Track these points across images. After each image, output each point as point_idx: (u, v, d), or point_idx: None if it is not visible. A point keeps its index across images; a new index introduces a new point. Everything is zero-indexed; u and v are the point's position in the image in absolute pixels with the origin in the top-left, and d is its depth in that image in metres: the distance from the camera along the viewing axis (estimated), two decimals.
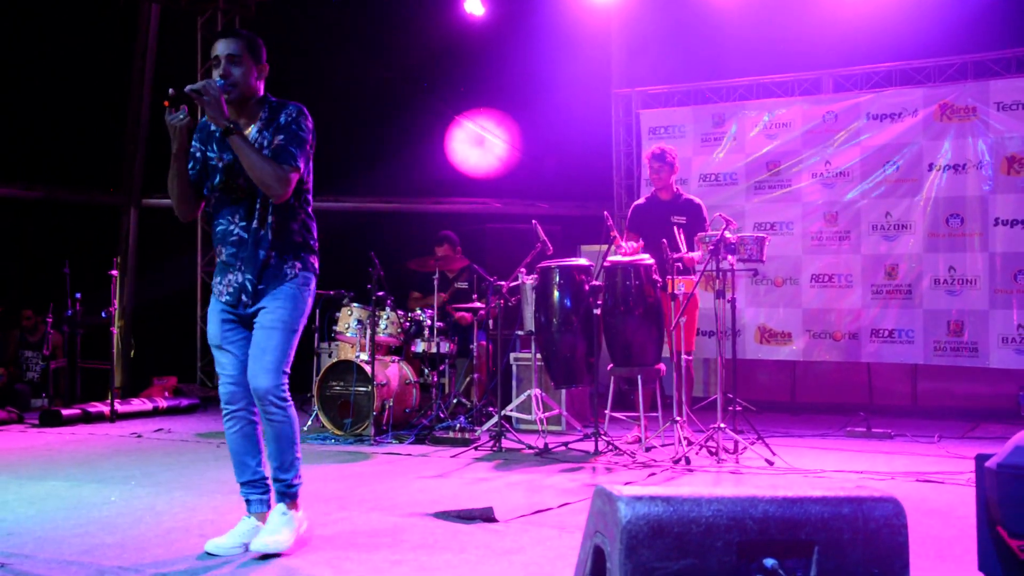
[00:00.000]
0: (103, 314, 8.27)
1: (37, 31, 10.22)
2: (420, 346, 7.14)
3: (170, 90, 3.23)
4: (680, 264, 6.05)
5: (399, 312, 7.17)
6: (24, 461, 5.77)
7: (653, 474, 5.17)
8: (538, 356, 6.42)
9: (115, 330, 8.39)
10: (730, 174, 9.05)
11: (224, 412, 3.50)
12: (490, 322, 6.96)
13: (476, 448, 6.07)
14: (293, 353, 3.45)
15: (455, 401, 7.35)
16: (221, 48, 3.38)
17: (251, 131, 3.41)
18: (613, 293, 5.96)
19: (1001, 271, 7.93)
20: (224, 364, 3.50)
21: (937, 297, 8.17)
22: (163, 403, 8.60)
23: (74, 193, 10.79)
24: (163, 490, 4.67)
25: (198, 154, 3.49)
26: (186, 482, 4.97)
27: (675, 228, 6.21)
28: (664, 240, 5.97)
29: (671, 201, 6.60)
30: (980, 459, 2.58)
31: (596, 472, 5.29)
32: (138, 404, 8.37)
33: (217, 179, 3.44)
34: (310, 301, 3.50)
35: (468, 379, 7.50)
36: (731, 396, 5.86)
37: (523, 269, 6.51)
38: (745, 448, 5.67)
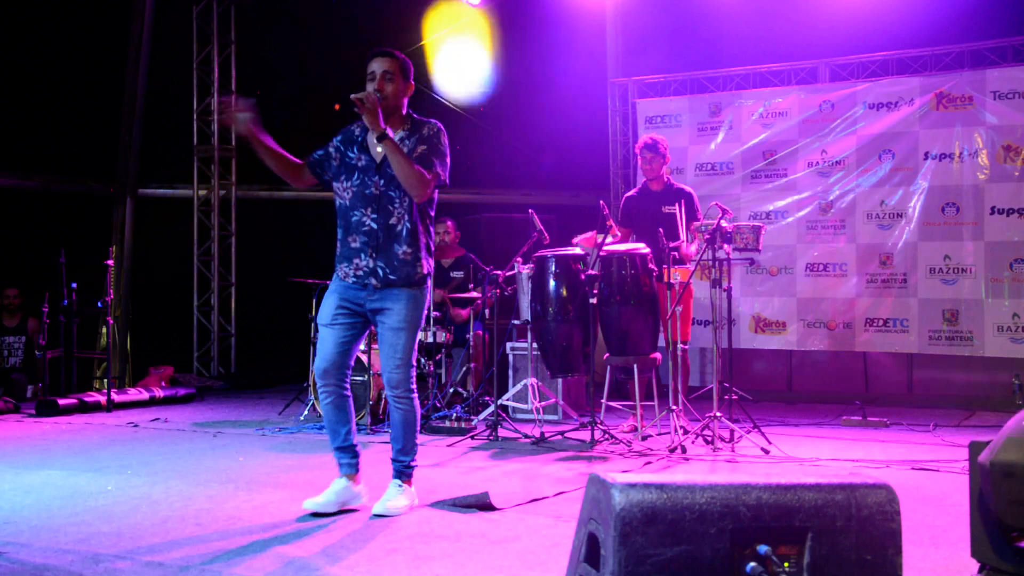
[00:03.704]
0: (99, 304, 8.26)
1: (32, 21, 10.18)
2: None
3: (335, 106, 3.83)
4: (676, 253, 6.05)
5: None
6: (20, 450, 5.77)
7: (649, 463, 5.18)
8: (534, 345, 6.43)
9: (111, 320, 8.39)
10: (726, 163, 9.04)
11: (318, 384, 3.97)
12: (486, 312, 6.96)
13: (472, 437, 6.08)
14: (416, 347, 3.95)
15: (451, 391, 7.35)
16: (377, 66, 3.88)
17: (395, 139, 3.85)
18: (609, 282, 5.97)
19: (997, 260, 7.94)
20: (325, 341, 3.93)
21: (932, 286, 8.18)
22: (160, 393, 8.58)
23: (70, 183, 10.77)
24: (159, 479, 4.68)
25: (332, 151, 4.00)
26: (182, 471, 4.98)
27: (676, 213, 6.20)
28: (660, 229, 5.97)
29: (662, 191, 6.59)
30: (973, 447, 2.59)
31: (592, 461, 5.30)
32: (135, 394, 8.36)
33: (356, 176, 3.91)
34: (429, 299, 4.04)
35: (464, 369, 7.50)
36: (727, 385, 5.87)
37: (519, 258, 6.51)
38: (741, 437, 5.68)
